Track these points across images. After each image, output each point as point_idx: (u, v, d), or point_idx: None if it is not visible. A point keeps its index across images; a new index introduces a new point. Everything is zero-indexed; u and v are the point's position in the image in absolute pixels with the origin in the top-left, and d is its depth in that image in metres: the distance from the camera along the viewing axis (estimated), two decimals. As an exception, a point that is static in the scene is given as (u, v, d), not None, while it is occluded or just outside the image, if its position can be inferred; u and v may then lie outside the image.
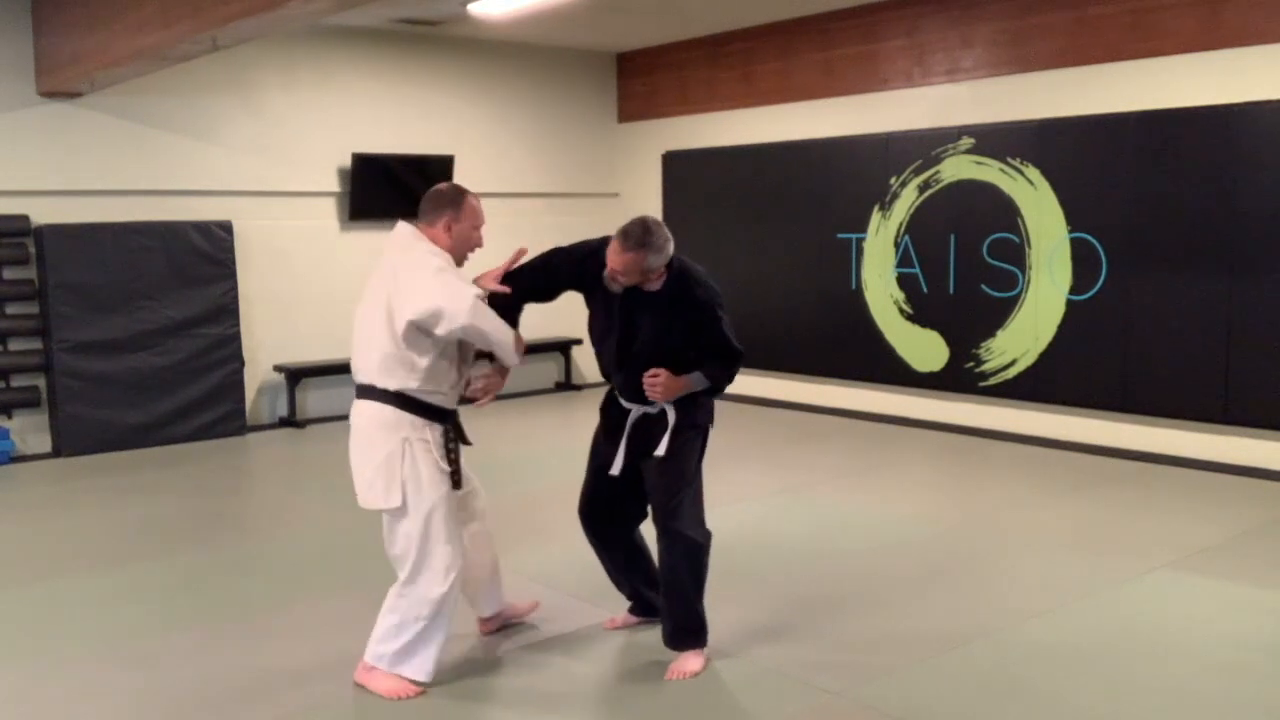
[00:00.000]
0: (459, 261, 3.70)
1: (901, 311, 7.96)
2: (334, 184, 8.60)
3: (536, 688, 3.63)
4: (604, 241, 3.64)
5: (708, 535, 3.75)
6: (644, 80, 9.95)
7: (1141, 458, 6.75)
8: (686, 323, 3.66)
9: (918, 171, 7.77)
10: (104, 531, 5.59)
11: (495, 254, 9.71)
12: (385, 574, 4.79)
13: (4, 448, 7.15)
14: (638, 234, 3.49)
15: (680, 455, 3.73)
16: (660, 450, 3.71)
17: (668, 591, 3.75)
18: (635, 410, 3.79)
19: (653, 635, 3.98)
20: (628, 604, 4.14)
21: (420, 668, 3.55)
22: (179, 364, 7.68)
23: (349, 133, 8.58)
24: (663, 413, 3.73)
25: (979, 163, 7.41)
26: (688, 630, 3.76)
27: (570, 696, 3.58)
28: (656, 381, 3.62)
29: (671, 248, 3.58)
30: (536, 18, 8.01)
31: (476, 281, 3.73)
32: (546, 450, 7.48)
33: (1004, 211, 7.29)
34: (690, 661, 3.74)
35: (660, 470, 3.74)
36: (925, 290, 7.79)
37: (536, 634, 4.07)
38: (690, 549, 3.69)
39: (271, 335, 8.34)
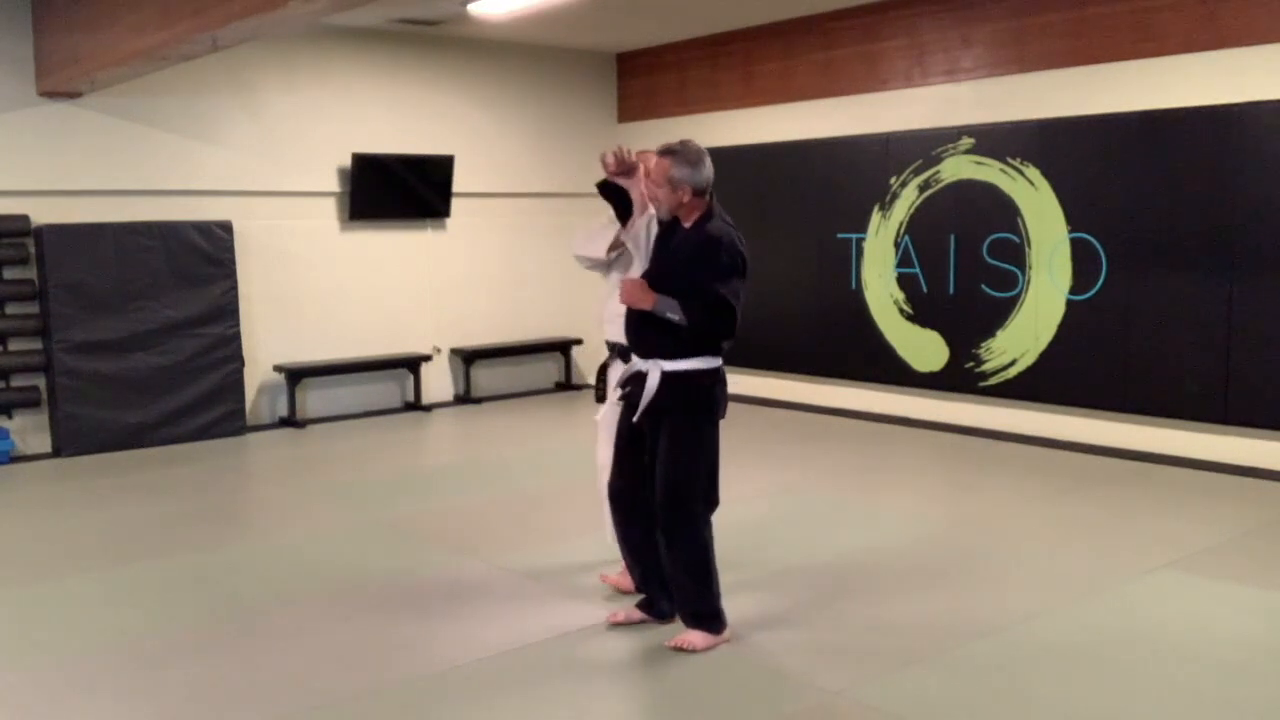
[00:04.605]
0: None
1: (901, 311, 7.96)
2: (334, 184, 8.60)
3: (536, 685, 3.63)
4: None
5: (703, 537, 3.83)
6: (644, 80, 9.95)
7: (1141, 457, 6.75)
8: (693, 259, 3.72)
9: (918, 171, 7.77)
10: (104, 531, 5.59)
11: (494, 252, 9.72)
12: (384, 573, 4.81)
13: (4, 448, 7.15)
14: (673, 144, 3.79)
15: (677, 448, 3.78)
16: (636, 417, 3.80)
17: (672, 585, 3.92)
18: (632, 365, 3.88)
19: (654, 634, 3.98)
20: (634, 600, 4.17)
21: None
22: (179, 364, 7.68)
23: (349, 133, 8.58)
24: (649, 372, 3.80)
25: (979, 163, 7.41)
26: (697, 614, 3.89)
27: (569, 694, 3.58)
28: (628, 281, 3.76)
29: (705, 173, 3.78)
30: (536, 18, 8.01)
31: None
32: (546, 450, 7.49)
33: (1004, 211, 7.29)
34: (694, 637, 3.85)
35: (660, 464, 3.82)
36: (925, 290, 7.79)
37: (536, 633, 4.07)
38: (686, 552, 3.83)
39: (271, 335, 8.34)
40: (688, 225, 3.84)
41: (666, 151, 3.79)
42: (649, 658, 3.84)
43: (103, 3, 6.03)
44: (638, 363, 3.90)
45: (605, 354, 4.59)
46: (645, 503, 3.93)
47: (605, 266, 4.40)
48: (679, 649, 3.83)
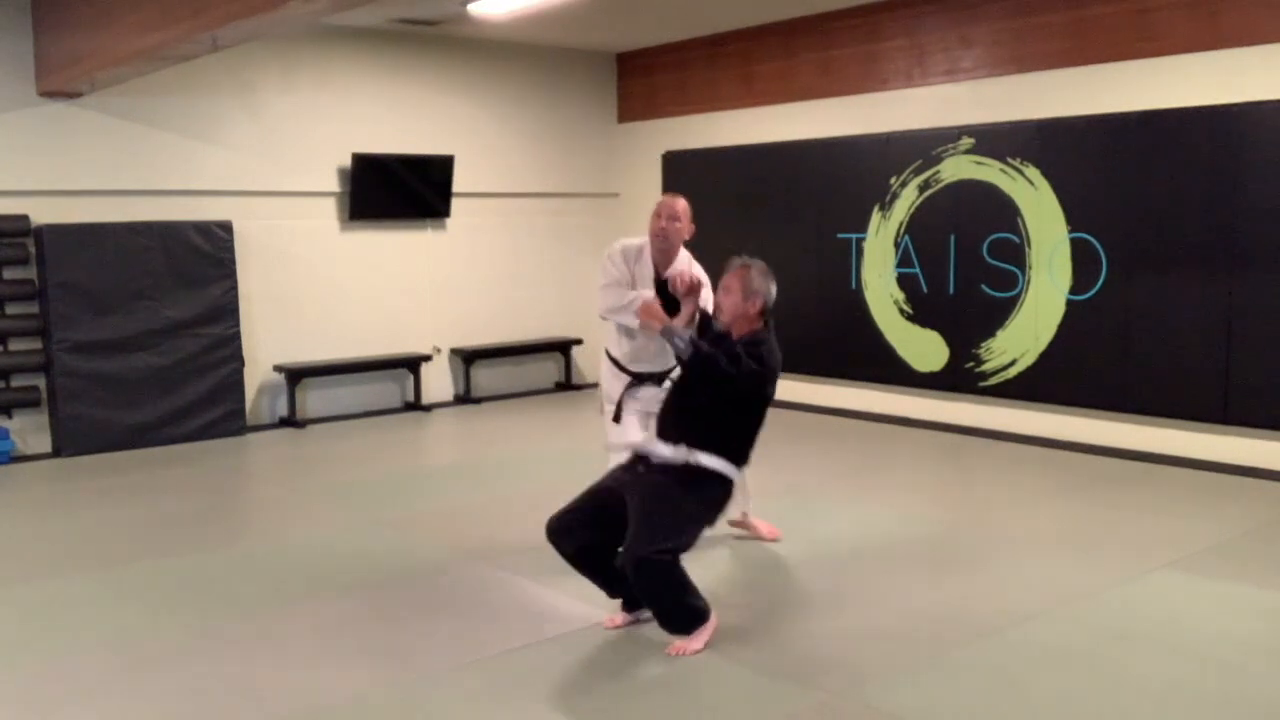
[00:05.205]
0: (663, 252, 4.57)
1: (901, 311, 7.96)
2: (334, 184, 8.60)
3: (535, 686, 3.63)
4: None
5: (676, 566, 3.81)
6: (644, 80, 9.95)
7: (1141, 458, 6.75)
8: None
9: (918, 171, 7.77)
10: (104, 531, 5.59)
11: (492, 247, 9.73)
12: (384, 574, 4.81)
13: (4, 448, 7.14)
14: (748, 258, 4.06)
15: (676, 506, 3.81)
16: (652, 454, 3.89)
17: (651, 607, 3.91)
18: (652, 446, 3.96)
19: (652, 634, 3.98)
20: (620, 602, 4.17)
21: None
22: (179, 364, 7.68)
23: (349, 133, 8.58)
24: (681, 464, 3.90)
25: (979, 163, 7.41)
26: (679, 623, 3.88)
27: (568, 697, 3.58)
28: (647, 303, 4.06)
29: (770, 296, 4.02)
30: (536, 18, 8.01)
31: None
32: (546, 450, 7.49)
33: (1004, 211, 7.29)
34: (690, 643, 3.85)
35: (645, 506, 3.80)
36: (925, 290, 7.79)
37: (536, 633, 4.07)
38: (662, 578, 3.78)
39: (271, 335, 8.34)
40: (740, 333, 4.00)
41: (747, 264, 4.02)
42: (649, 658, 3.84)
43: (103, 3, 6.03)
44: (662, 448, 3.90)
45: (601, 357, 4.77)
46: (586, 545, 3.95)
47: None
48: (680, 654, 3.83)
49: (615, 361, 4.81)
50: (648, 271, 4.56)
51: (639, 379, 4.75)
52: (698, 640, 3.86)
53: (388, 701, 3.54)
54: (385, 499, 6.15)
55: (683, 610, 3.86)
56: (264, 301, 8.28)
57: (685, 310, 4.15)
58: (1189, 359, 6.50)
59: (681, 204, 4.56)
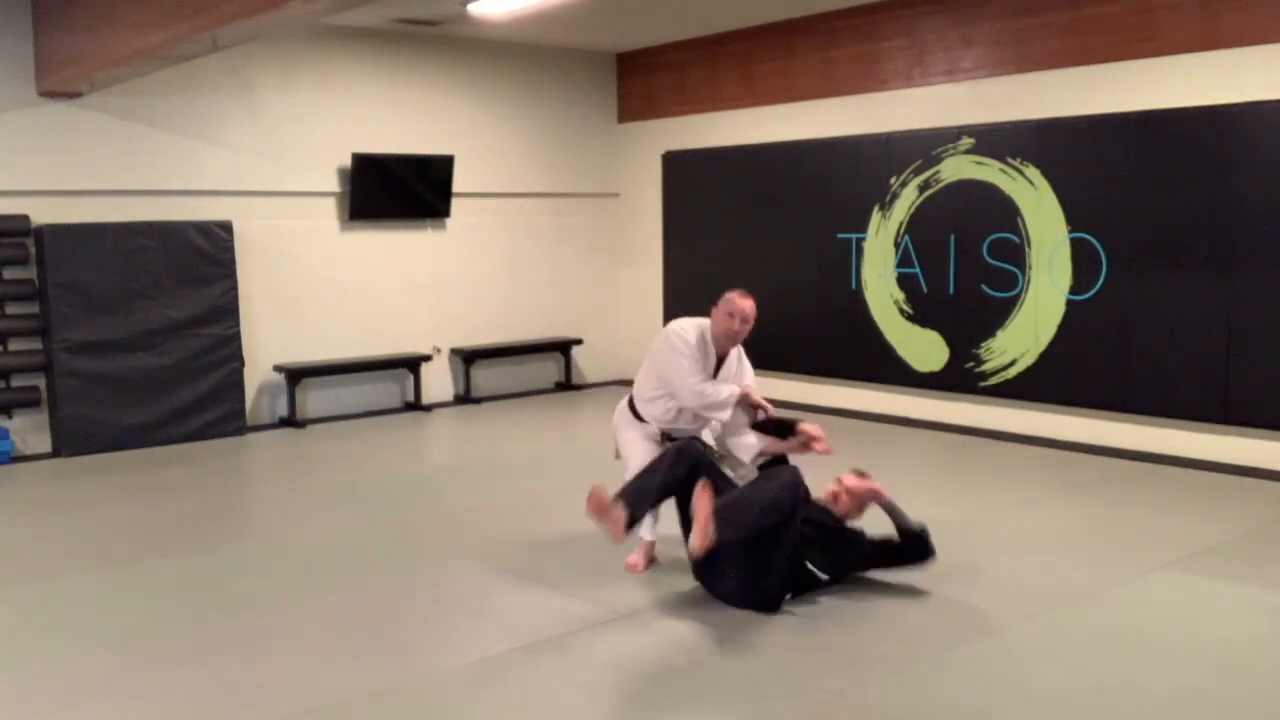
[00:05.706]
0: (723, 343, 4.74)
1: (901, 311, 7.96)
2: (334, 184, 8.60)
3: (536, 685, 3.63)
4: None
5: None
6: (644, 80, 9.95)
7: (1141, 458, 6.75)
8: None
9: (918, 171, 7.77)
10: (104, 531, 5.59)
11: (492, 247, 9.75)
12: (384, 573, 4.81)
13: (4, 448, 7.14)
14: (862, 470, 4.65)
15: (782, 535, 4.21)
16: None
17: (739, 506, 4.14)
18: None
19: (653, 634, 3.98)
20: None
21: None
22: (179, 364, 7.68)
23: (349, 133, 8.58)
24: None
25: (979, 163, 7.41)
26: (733, 522, 4.07)
27: (569, 694, 3.58)
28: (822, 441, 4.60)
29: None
30: (536, 18, 8.01)
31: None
32: (546, 450, 7.49)
33: (1004, 211, 7.29)
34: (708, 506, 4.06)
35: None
36: (925, 290, 7.79)
37: (536, 633, 4.07)
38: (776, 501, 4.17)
39: (271, 335, 8.34)
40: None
41: (864, 474, 4.61)
42: (649, 658, 3.84)
43: (103, 3, 6.03)
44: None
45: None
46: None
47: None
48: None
49: (644, 421, 4.86)
50: (712, 361, 4.74)
51: (668, 436, 4.85)
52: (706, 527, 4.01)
53: (388, 702, 3.54)
54: (385, 499, 6.15)
55: (739, 521, 4.08)
56: (264, 301, 8.28)
57: (776, 448, 4.69)
58: (1189, 359, 6.50)
59: (751, 305, 4.73)
